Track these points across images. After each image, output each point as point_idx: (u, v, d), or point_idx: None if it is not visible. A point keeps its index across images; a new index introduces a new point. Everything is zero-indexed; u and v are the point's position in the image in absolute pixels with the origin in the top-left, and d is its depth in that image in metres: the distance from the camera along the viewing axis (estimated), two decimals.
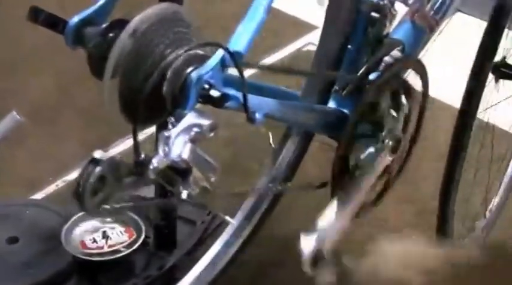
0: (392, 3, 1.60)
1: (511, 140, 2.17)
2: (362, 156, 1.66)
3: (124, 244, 1.81)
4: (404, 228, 2.08)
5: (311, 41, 2.36)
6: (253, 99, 1.37)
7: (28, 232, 1.88)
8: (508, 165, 2.21)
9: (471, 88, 1.77)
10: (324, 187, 1.66)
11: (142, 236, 1.83)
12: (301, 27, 2.52)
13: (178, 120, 1.25)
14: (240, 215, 1.79)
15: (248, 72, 2.14)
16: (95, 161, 1.22)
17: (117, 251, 1.80)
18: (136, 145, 1.24)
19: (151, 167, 1.22)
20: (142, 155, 1.24)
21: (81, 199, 1.22)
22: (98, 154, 1.23)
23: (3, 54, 2.51)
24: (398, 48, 1.64)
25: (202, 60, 1.30)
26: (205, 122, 1.25)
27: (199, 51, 1.32)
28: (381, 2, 1.59)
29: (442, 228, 1.89)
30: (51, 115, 1.99)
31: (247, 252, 1.80)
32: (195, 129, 1.25)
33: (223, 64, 1.29)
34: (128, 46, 1.26)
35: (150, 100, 1.26)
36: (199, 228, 1.93)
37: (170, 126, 1.26)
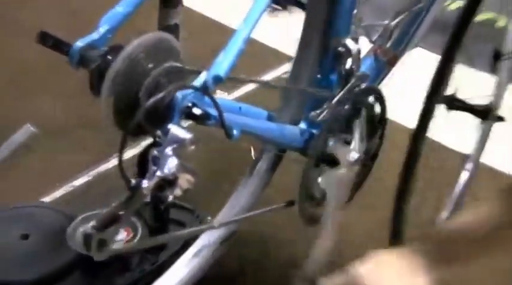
0: (356, 40, 1.60)
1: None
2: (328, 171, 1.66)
3: (122, 242, 1.78)
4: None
5: (289, 69, 2.35)
6: (231, 117, 1.36)
7: (38, 230, 1.87)
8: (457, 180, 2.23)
9: (423, 116, 1.77)
10: (292, 205, 1.66)
11: (139, 235, 1.81)
12: (280, 58, 2.52)
13: (165, 134, 1.25)
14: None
15: (235, 95, 2.17)
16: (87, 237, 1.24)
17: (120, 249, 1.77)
18: (123, 174, 1.24)
19: (144, 186, 1.23)
20: (133, 181, 1.24)
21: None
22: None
23: (14, 71, 2.53)
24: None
25: (188, 80, 1.31)
26: (187, 136, 1.25)
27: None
28: (346, 38, 1.59)
29: (395, 233, 1.89)
30: (59, 127, 2.00)
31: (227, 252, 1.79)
32: (179, 144, 1.25)
33: (206, 85, 1.29)
34: (123, 69, 1.26)
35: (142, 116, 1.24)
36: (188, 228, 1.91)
37: (157, 139, 1.26)
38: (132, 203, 1.27)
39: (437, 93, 1.77)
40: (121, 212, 1.27)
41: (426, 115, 1.75)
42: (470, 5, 1.72)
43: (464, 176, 2.24)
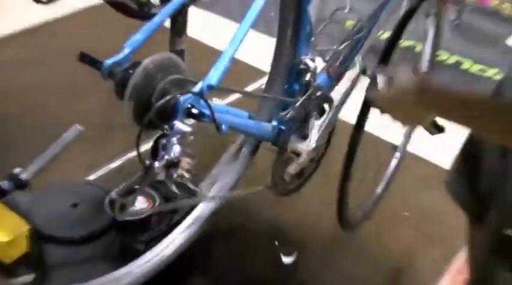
0: (313, 60, 1.58)
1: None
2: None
3: (145, 209, 1.74)
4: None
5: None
6: (221, 116, 1.34)
7: (84, 200, 1.83)
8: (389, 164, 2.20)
9: (359, 118, 1.74)
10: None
11: (157, 204, 1.75)
12: (259, 73, 2.47)
13: (171, 128, 1.23)
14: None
15: (226, 101, 2.15)
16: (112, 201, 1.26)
17: (141, 213, 1.72)
18: (140, 157, 1.21)
19: (156, 166, 1.22)
20: (147, 162, 1.23)
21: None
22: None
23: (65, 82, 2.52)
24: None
25: (189, 88, 1.28)
26: (187, 130, 1.23)
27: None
28: (306, 59, 1.57)
29: (341, 203, 1.86)
30: (97, 124, 1.98)
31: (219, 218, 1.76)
32: (182, 135, 1.23)
33: (201, 92, 1.26)
34: (140, 80, 1.23)
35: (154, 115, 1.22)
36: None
37: (166, 132, 1.24)
38: (147, 178, 1.24)
39: (370, 99, 1.73)
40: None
41: (362, 115, 1.72)
42: (394, 36, 1.70)
43: (394, 161, 2.22)
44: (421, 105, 1.16)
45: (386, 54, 1.65)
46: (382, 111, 1.27)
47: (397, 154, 2.22)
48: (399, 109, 1.23)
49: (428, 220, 2.13)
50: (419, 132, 2.07)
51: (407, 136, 2.20)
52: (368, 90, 1.43)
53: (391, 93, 1.23)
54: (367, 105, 1.68)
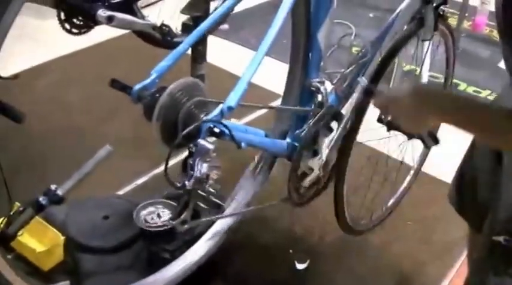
0: (323, 83, 1.57)
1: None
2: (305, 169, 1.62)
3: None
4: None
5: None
6: (240, 135, 1.33)
7: (115, 213, 1.81)
8: (400, 181, 2.16)
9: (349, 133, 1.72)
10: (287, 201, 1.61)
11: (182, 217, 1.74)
12: (273, 96, 2.44)
13: (196, 146, 1.22)
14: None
15: (244, 121, 2.14)
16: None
17: (166, 225, 1.70)
18: (169, 179, 1.20)
19: (187, 183, 1.22)
20: (178, 184, 1.23)
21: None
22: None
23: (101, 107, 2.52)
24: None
25: (210, 109, 1.27)
26: (211, 147, 1.22)
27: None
28: (316, 81, 1.56)
29: (338, 207, 1.85)
30: (124, 143, 1.97)
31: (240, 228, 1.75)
32: (206, 152, 1.21)
33: (222, 113, 1.26)
34: (166, 102, 1.22)
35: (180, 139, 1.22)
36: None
37: (191, 149, 1.23)
38: (193, 198, 1.26)
39: (362, 112, 1.71)
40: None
41: (354, 125, 1.71)
42: (385, 58, 1.70)
43: (408, 178, 2.19)
44: (421, 107, 1.10)
45: (377, 74, 1.65)
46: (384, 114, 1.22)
47: (411, 172, 2.18)
48: (400, 113, 1.18)
49: (433, 228, 2.10)
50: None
51: (423, 156, 2.18)
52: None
53: (391, 97, 1.19)
54: (357, 115, 1.67)
